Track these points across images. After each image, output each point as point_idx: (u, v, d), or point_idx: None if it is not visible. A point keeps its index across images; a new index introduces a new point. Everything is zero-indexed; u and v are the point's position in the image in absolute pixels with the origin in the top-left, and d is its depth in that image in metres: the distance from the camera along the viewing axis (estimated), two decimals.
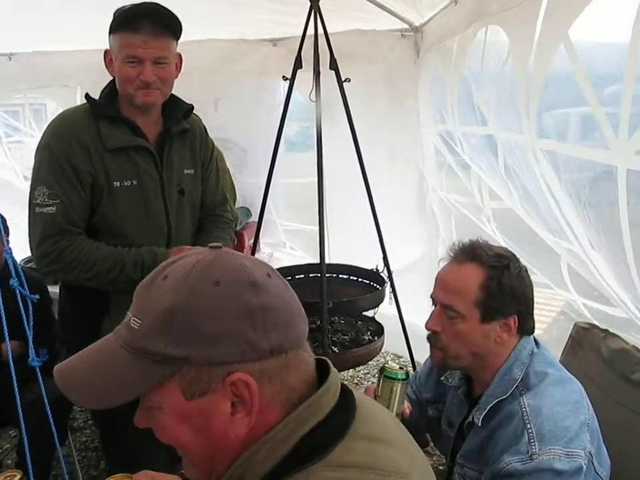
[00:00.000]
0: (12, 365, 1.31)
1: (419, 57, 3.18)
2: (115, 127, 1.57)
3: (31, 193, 1.55)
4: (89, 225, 1.60)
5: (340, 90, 2.34)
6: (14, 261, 1.12)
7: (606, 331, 1.51)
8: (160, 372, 0.62)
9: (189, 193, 1.72)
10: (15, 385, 1.10)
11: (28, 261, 3.10)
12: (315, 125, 2.22)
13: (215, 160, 1.86)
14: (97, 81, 3.16)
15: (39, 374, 1.06)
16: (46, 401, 1.44)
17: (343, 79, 2.34)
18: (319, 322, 2.46)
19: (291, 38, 3.05)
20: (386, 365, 1.20)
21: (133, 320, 0.64)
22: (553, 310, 2.81)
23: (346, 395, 0.70)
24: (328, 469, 0.62)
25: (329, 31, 2.29)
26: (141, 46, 1.46)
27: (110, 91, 1.61)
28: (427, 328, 1.25)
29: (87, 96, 1.61)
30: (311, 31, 2.32)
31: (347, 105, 2.37)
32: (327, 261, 2.24)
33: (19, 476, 1.23)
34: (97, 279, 1.59)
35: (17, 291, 1.08)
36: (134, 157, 1.59)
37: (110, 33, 1.50)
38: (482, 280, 1.18)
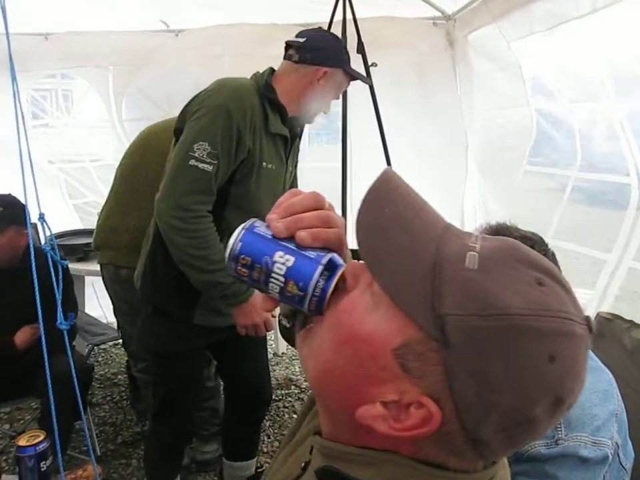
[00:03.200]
0: (44, 338, 1.33)
1: (451, 46, 3.13)
2: (273, 112, 1.67)
3: (186, 144, 1.56)
4: (220, 193, 1.63)
5: (366, 73, 2.32)
6: (45, 228, 1.13)
7: (631, 321, 1.48)
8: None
9: (290, 186, 1.91)
10: (46, 356, 1.12)
11: (58, 237, 3.17)
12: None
13: None
14: (127, 63, 3.23)
15: (67, 338, 1.07)
16: (74, 372, 1.47)
17: (370, 64, 2.33)
18: None
19: (320, 23, 3.03)
20: None
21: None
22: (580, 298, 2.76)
23: None
24: None
25: (357, 16, 2.27)
26: None
27: (268, 79, 1.71)
28: None
29: (258, 75, 1.71)
30: (338, 16, 2.31)
31: (373, 89, 2.35)
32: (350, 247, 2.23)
33: (42, 436, 1.27)
34: (196, 262, 1.59)
35: (49, 256, 1.10)
36: (279, 143, 1.72)
37: (333, 63, 1.72)
38: None
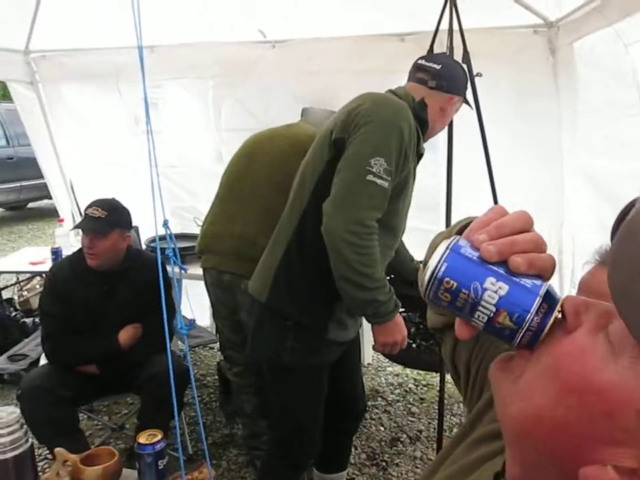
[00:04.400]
0: (167, 337, 1.38)
1: (552, 55, 3.01)
2: (419, 135, 1.70)
3: (362, 158, 1.55)
4: None
5: (471, 84, 2.27)
6: (169, 230, 1.17)
7: None
8: None
9: None
10: (170, 360, 1.15)
11: (152, 240, 3.30)
12: None
13: None
14: (227, 74, 3.33)
15: (186, 339, 1.10)
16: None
17: (475, 74, 2.28)
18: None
19: (421, 33, 3.00)
20: None
21: None
22: None
23: None
24: None
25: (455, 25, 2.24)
26: None
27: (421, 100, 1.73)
28: None
29: (400, 94, 1.72)
30: (443, 25, 2.28)
31: (477, 99, 2.30)
32: None
33: (160, 436, 1.31)
34: (360, 279, 1.55)
35: (171, 261, 1.13)
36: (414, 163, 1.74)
37: (461, 92, 1.81)
38: None
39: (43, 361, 2.81)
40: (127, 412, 3.17)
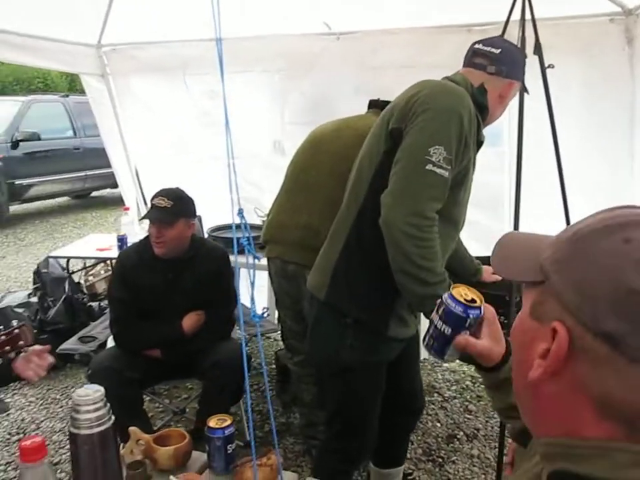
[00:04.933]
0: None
1: (629, 45, 2.88)
2: (478, 122, 1.63)
3: (420, 147, 1.49)
4: None
5: (542, 77, 2.20)
6: (244, 219, 1.18)
7: None
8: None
9: None
10: (243, 349, 1.17)
11: (214, 230, 3.38)
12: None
13: None
14: (292, 67, 3.35)
15: (258, 328, 1.12)
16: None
17: (547, 65, 2.20)
18: (502, 317, 2.38)
19: (488, 24, 2.92)
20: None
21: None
22: None
23: None
24: None
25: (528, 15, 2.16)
26: None
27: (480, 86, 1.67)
28: None
29: (458, 80, 1.64)
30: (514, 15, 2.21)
31: (549, 93, 2.22)
32: None
33: (229, 421, 1.34)
34: (420, 274, 1.49)
35: (246, 250, 1.15)
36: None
37: (520, 77, 1.73)
38: None
39: (110, 343, 2.93)
40: (187, 397, 3.26)
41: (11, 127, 8.05)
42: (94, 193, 10.50)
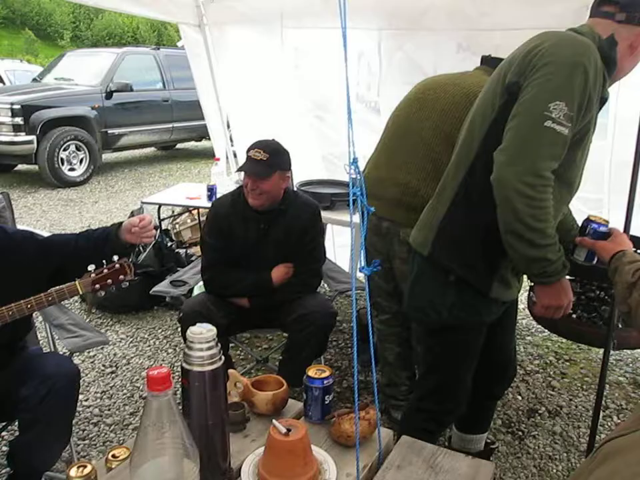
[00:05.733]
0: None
1: None
2: (604, 78, 1.51)
3: (539, 102, 1.41)
4: None
5: None
6: (357, 170, 1.14)
7: None
8: None
9: None
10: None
11: (304, 184, 3.36)
12: None
13: None
14: (397, 26, 3.20)
15: (367, 282, 1.10)
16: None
17: None
18: (599, 292, 2.26)
19: None
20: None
21: None
22: None
23: None
24: None
25: None
26: None
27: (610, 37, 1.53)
28: None
29: (584, 32, 1.50)
30: None
31: None
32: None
33: (327, 372, 1.34)
34: (529, 234, 1.43)
35: (358, 201, 1.12)
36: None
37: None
38: None
39: (197, 290, 3.02)
40: (267, 347, 3.34)
41: (106, 77, 8.35)
42: (178, 145, 10.81)
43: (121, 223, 1.97)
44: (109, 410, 2.79)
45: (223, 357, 1.09)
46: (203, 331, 1.06)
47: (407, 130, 2.25)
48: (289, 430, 1.15)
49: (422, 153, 2.16)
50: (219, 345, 1.08)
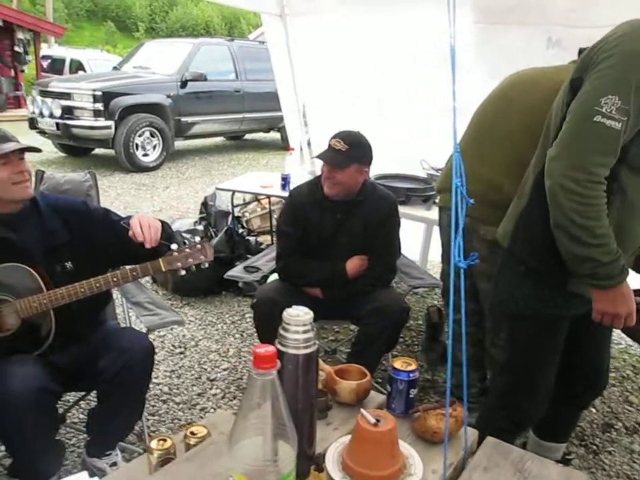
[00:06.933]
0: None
1: None
2: None
3: (591, 97, 1.38)
4: None
5: None
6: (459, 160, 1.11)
7: None
8: None
9: None
10: None
11: (380, 177, 3.32)
12: None
13: None
14: (491, 20, 3.11)
15: (463, 275, 1.07)
16: None
17: None
18: None
19: None
20: None
21: None
22: None
23: None
24: None
25: None
26: None
27: None
28: None
29: None
30: None
31: None
32: None
33: (414, 366, 1.31)
34: (575, 231, 1.41)
35: (458, 191, 1.09)
36: None
37: None
38: None
39: (271, 277, 3.04)
40: (334, 339, 3.33)
41: (182, 67, 8.57)
42: (247, 136, 10.98)
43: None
44: (178, 389, 2.86)
45: (317, 342, 1.08)
46: (300, 314, 1.06)
47: (493, 124, 2.17)
48: (377, 420, 1.13)
49: (507, 148, 2.09)
50: (315, 329, 1.08)
